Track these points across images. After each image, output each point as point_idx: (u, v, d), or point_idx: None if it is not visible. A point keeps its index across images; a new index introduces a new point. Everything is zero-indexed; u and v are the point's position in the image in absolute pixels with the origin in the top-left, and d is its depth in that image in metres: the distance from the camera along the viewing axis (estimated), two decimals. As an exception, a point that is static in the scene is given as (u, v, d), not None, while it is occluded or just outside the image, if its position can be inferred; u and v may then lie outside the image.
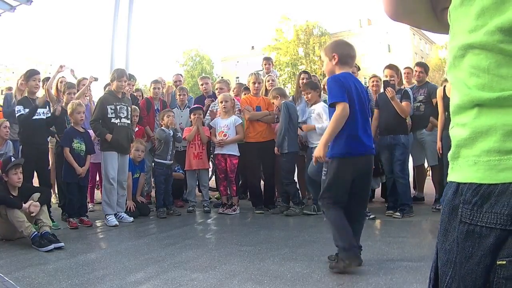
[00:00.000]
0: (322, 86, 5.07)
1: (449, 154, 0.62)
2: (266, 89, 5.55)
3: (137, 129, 5.41)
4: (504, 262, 0.52)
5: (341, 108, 2.69)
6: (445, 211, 0.62)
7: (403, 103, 4.61)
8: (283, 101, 4.93)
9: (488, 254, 0.53)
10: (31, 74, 4.60)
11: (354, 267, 2.71)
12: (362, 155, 2.82)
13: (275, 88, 5.31)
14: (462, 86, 0.59)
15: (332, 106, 2.75)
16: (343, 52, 2.80)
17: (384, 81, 4.72)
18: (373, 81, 5.37)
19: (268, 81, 5.60)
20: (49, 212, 4.20)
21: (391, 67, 4.89)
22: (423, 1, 0.75)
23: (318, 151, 2.74)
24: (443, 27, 0.77)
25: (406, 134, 4.69)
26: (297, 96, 5.37)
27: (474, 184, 0.56)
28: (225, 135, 5.10)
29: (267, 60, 7.01)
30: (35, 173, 4.71)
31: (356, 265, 2.71)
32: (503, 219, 0.52)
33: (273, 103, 5.16)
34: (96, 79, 5.38)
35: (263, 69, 6.68)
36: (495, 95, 0.54)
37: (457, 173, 0.60)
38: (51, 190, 5.05)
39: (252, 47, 46.33)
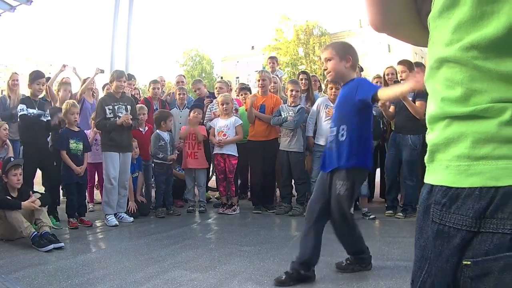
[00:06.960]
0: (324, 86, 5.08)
1: (426, 158, 0.65)
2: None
3: (146, 128, 5.30)
4: (469, 263, 0.54)
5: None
6: (420, 210, 0.65)
7: (417, 103, 4.33)
8: (301, 106, 4.93)
9: (455, 253, 0.56)
10: (35, 77, 4.56)
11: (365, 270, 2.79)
12: None
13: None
14: (437, 99, 0.61)
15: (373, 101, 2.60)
16: (356, 58, 2.70)
17: (394, 81, 4.66)
18: (376, 82, 5.31)
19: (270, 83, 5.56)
20: (56, 212, 4.20)
21: (403, 62, 4.75)
22: (409, 9, 0.75)
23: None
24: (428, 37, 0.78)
25: (415, 135, 4.42)
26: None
27: (444, 186, 0.58)
28: (224, 135, 5.08)
29: (272, 59, 7.01)
30: (41, 173, 4.71)
31: (370, 268, 2.81)
32: (468, 221, 0.54)
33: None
34: (102, 71, 5.32)
35: (264, 67, 6.70)
36: (468, 110, 0.56)
37: (431, 176, 0.63)
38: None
39: (252, 47, 46.26)
